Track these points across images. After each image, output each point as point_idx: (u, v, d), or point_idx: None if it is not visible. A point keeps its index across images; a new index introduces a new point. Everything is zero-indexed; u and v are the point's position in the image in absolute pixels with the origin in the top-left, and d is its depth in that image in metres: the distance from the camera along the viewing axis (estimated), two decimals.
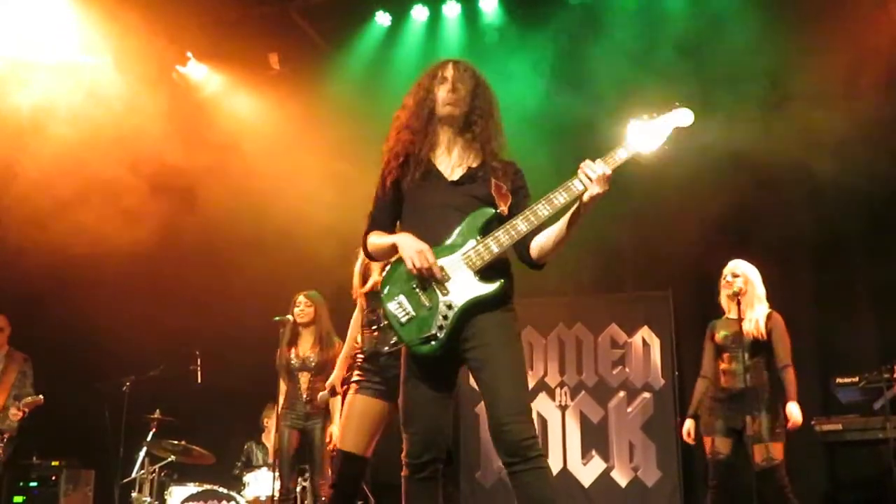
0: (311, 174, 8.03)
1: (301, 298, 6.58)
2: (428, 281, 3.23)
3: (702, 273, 6.73)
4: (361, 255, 4.67)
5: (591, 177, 3.14)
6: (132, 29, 7.67)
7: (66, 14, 7.67)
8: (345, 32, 8.56)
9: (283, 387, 6.58)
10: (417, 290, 3.26)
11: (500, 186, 3.36)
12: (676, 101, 3.33)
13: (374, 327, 4.88)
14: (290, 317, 6.49)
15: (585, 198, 3.17)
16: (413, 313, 3.25)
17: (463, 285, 3.22)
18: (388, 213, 3.47)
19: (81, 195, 7.52)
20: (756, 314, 5.56)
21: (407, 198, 3.42)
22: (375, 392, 4.78)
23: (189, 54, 8.69)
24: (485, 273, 3.23)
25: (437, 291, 3.23)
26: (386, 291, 3.32)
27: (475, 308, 3.22)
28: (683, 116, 3.30)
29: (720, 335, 5.69)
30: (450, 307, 3.21)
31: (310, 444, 6.41)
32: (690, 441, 5.80)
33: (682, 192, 7.45)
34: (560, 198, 3.20)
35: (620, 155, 3.22)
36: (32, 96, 7.63)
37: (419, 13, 8.37)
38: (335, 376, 5.38)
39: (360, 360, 4.92)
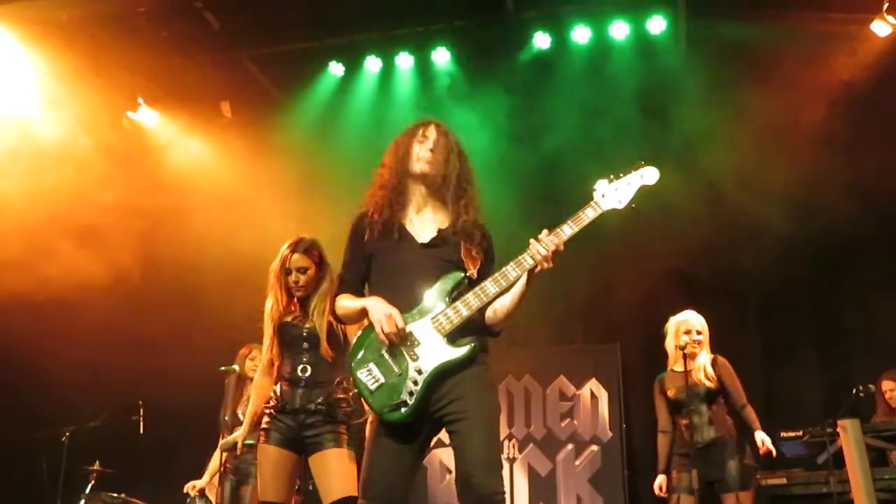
0: (262, 222, 7.98)
1: (255, 353, 6.41)
2: (398, 346, 3.19)
3: (649, 326, 6.78)
4: (269, 300, 4.59)
5: (541, 253, 3.18)
6: (82, 73, 7.62)
7: (12, 56, 7.60)
8: (298, 81, 8.58)
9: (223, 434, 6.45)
10: (387, 356, 3.22)
11: (469, 250, 3.36)
12: (640, 159, 3.40)
13: (301, 384, 4.52)
14: (235, 367, 6.38)
15: (537, 270, 3.21)
16: (382, 380, 3.20)
17: (433, 350, 3.19)
18: (358, 275, 3.44)
19: (21, 239, 7.39)
20: (701, 361, 5.61)
21: (377, 259, 3.39)
22: (284, 441, 4.48)
23: (140, 100, 8.62)
24: (454, 337, 3.21)
25: (407, 357, 3.19)
26: (356, 358, 3.26)
27: (445, 372, 3.19)
28: (649, 175, 3.36)
29: (673, 391, 5.70)
30: (419, 372, 3.18)
31: (238, 499, 6.28)
32: (662, 494, 5.76)
33: (629, 246, 7.56)
34: (528, 260, 3.21)
35: (588, 214, 3.27)
36: None
37: (372, 64, 8.43)
38: (242, 434, 4.99)
39: (272, 409, 4.57)
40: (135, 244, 8.04)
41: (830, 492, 5.81)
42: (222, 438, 6.35)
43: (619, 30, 7.83)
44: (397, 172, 3.41)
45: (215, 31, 7.89)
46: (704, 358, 5.64)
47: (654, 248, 7.54)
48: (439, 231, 3.40)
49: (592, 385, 8.17)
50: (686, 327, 5.77)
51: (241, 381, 6.44)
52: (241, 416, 6.32)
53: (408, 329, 3.20)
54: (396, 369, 3.19)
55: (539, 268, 3.20)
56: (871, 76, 7.36)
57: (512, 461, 8.10)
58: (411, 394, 3.16)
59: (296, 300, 4.66)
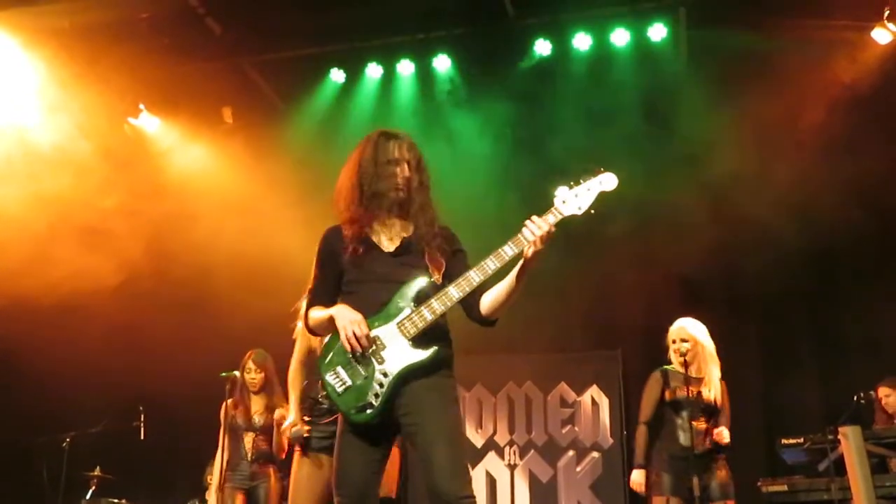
0: (264, 228, 7.99)
1: (250, 364, 6.43)
2: (364, 351, 3.27)
3: (650, 332, 6.79)
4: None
5: (533, 233, 3.22)
6: (84, 79, 7.63)
7: (16, 64, 7.61)
8: (299, 88, 8.59)
9: (225, 443, 6.45)
10: (354, 360, 3.30)
11: (434, 255, 3.43)
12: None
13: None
14: (236, 373, 6.39)
15: (527, 254, 3.25)
16: (349, 382, 3.30)
17: (398, 353, 3.27)
18: (328, 289, 3.52)
19: (23, 245, 7.40)
20: (713, 377, 5.61)
21: (346, 271, 3.47)
22: (322, 450, 4.66)
23: (141, 106, 8.64)
24: (419, 341, 3.29)
25: (374, 360, 3.28)
26: (325, 362, 3.36)
27: (410, 375, 3.27)
28: (608, 181, 3.38)
29: (673, 392, 5.66)
30: (385, 375, 3.26)
31: (256, 501, 6.28)
32: (641, 490, 5.71)
33: (631, 253, 7.56)
34: (491, 265, 3.28)
35: (548, 220, 3.28)
36: None
37: (373, 71, 8.44)
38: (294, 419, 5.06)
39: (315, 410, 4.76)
40: (137, 250, 8.04)
41: (832, 499, 5.82)
42: (229, 443, 6.38)
43: (620, 37, 7.84)
44: (368, 193, 3.46)
45: (217, 38, 7.91)
46: (716, 375, 5.64)
47: (656, 255, 7.55)
48: (403, 239, 3.48)
49: (593, 392, 8.18)
50: (674, 335, 5.78)
51: (243, 387, 6.44)
52: (256, 423, 6.34)
53: (373, 334, 3.29)
54: (363, 372, 3.29)
55: (530, 251, 3.23)
56: (872, 83, 7.37)
57: (513, 468, 8.10)
58: (377, 396, 3.26)
59: None
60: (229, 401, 6.39)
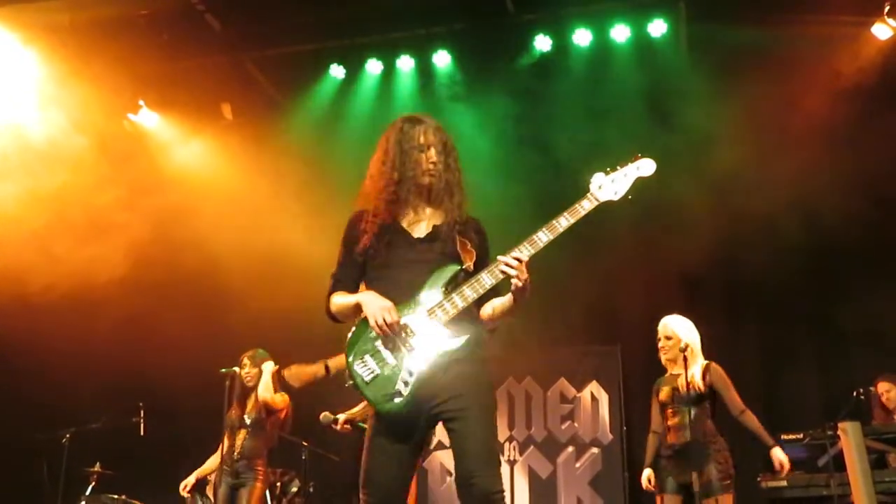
0: (264, 224, 8.00)
1: (245, 360, 6.52)
2: (393, 338, 3.20)
3: (650, 328, 6.78)
4: None
5: (510, 266, 3.19)
6: (84, 76, 7.63)
7: (17, 61, 7.61)
8: (299, 84, 8.58)
9: (226, 442, 6.50)
10: (382, 348, 3.22)
11: (465, 243, 3.38)
12: (637, 152, 3.42)
13: None
14: (236, 369, 6.44)
15: (511, 287, 3.24)
16: (378, 371, 3.21)
17: (428, 341, 3.20)
18: (352, 274, 3.45)
19: (22, 242, 7.40)
20: (693, 369, 5.60)
21: (372, 258, 3.40)
22: None
23: (141, 102, 8.63)
24: (451, 328, 3.23)
25: (403, 348, 3.21)
26: (352, 351, 3.26)
27: (442, 363, 3.20)
28: (646, 166, 3.39)
29: (663, 393, 5.71)
30: (415, 363, 3.19)
31: (237, 500, 6.31)
32: (651, 488, 5.74)
33: (630, 249, 7.56)
34: (525, 252, 3.22)
35: (584, 206, 3.28)
36: None
37: (373, 67, 8.43)
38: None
39: None
40: (138, 247, 8.04)
41: (831, 494, 5.82)
42: (225, 440, 6.41)
43: (620, 33, 7.83)
44: (397, 179, 3.40)
45: (216, 34, 7.91)
46: (697, 364, 5.63)
47: (656, 251, 7.55)
48: (434, 227, 3.42)
49: (593, 387, 8.18)
50: (659, 333, 5.79)
51: (242, 384, 6.48)
52: (246, 420, 6.41)
53: (403, 321, 3.22)
54: (391, 361, 3.21)
55: (513, 287, 3.23)
56: (872, 79, 7.37)
57: (512, 463, 8.11)
58: (406, 384, 3.17)
59: None
60: (234, 400, 6.48)
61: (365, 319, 3.25)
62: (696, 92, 7.52)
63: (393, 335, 3.19)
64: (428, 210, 3.46)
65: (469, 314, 3.29)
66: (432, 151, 3.43)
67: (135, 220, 7.93)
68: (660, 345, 5.76)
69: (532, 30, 7.94)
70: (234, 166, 8.63)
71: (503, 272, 3.21)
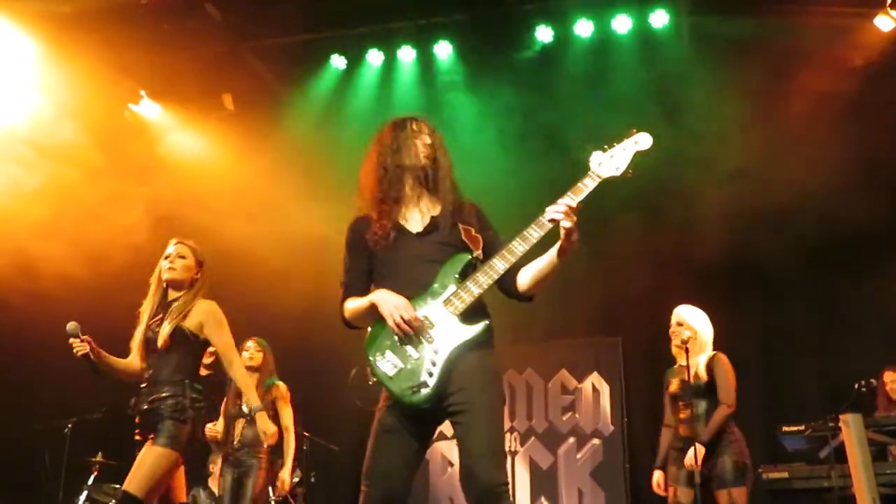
0: (264, 215, 7.99)
1: (250, 344, 6.58)
2: (411, 333, 3.20)
3: (652, 320, 6.79)
4: None
5: (560, 212, 3.17)
6: (85, 66, 7.61)
7: (18, 50, 7.59)
8: (300, 74, 8.57)
9: (226, 431, 6.53)
10: (403, 342, 3.22)
11: (468, 230, 3.39)
12: (634, 127, 3.42)
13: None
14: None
15: (561, 234, 3.20)
16: (401, 365, 3.19)
17: (447, 331, 3.21)
18: (361, 278, 3.44)
19: (23, 231, 7.38)
20: (700, 360, 5.57)
21: (377, 259, 3.40)
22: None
23: (142, 92, 8.62)
24: (467, 316, 3.23)
25: (423, 340, 3.21)
26: (372, 348, 3.25)
27: (461, 352, 3.20)
28: (643, 140, 3.37)
29: (673, 385, 5.69)
30: (437, 353, 3.18)
31: (242, 489, 6.34)
32: (661, 492, 5.68)
33: (633, 239, 7.55)
34: (534, 233, 3.22)
35: (587, 184, 3.26)
36: None
37: (374, 57, 8.41)
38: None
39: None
40: (139, 236, 8.01)
41: (832, 486, 5.83)
42: (226, 429, 6.49)
43: (622, 24, 7.81)
44: (390, 167, 3.44)
45: (217, 24, 7.88)
46: (703, 357, 5.60)
47: (657, 242, 7.54)
48: (432, 218, 3.43)
49: (594, 379, 8.18)
50: (672, 320, 5.76)
51: None
52: (232, 409, 6.46)
53: (420, 314, 3.22)
54: (413, 354, 3.20)
55: (563, 227, 3.18)
56: (874, 70, 7.36)
57: (513, 454, 8.12)
58: (430, 374, 3.17)
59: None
60: (232, 391, 6.50)
61: (380, 320, 3.24)
62: (699, 82, 7.51)
63: (413, 329, 3.19)
64: (424, 202, 3.47)
65: (480, 302, 3.29)
66: (426, 137, 3.47)
67: (136, 211, 7.92)
68: (671, 331, 5.73)
69: (533, 20, 7.91)
70: (236, 157, 8.61)
71: (552, 220, 3.19)
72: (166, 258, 4.82)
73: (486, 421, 3.16)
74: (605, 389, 8.14)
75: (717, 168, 7.36)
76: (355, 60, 8.48)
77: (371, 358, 3.24)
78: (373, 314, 3.29)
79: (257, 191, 8.27)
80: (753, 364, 7.39)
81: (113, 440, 7.40)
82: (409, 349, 3.21)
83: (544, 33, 7.92)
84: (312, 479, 7.42)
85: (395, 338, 3.23)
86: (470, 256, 3.33)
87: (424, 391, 3.16)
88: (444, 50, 8.22)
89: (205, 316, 4.70)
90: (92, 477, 7.17)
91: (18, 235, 7.38)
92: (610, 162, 3.31)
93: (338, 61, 8.48)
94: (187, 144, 8.86)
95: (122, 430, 7.34)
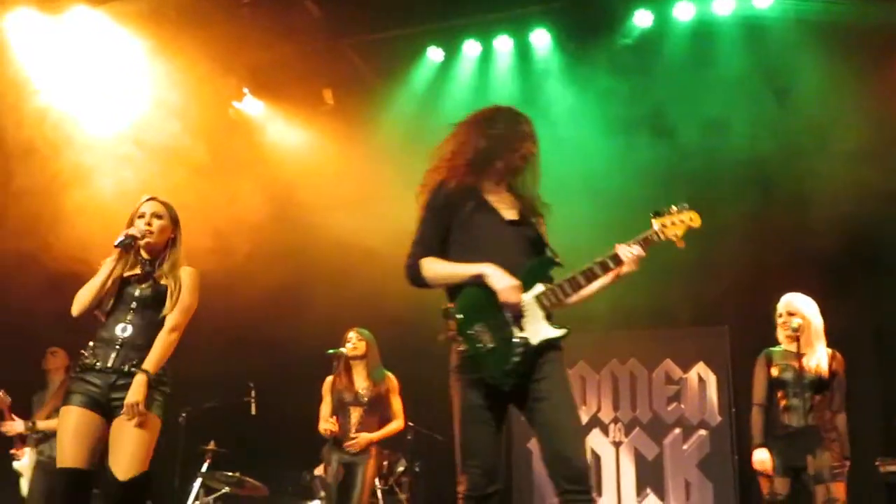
0: (366, 208, 8.08)
1: (352, 334, 6.67)
2: (507, 316, 3.30)
3: (759, 308, 6.60)
4: None
5: (629, 256, 3.45)
6: (189, 65, 7.81)
7: (126, 48, 7.82)
8: (397, 68, 8.63)
9: (324, 411, 6.63)
10: (496, 321, 3.31)
11: (544, 229, 3.59)
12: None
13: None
14: (343, 350, 6.59)
15: (616, 273, 3.48)
16: (491, 343, 3.29)
17: (537, 325, 3.32)
18: (438, 242, 3.51)
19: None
20: (818, 352, 5.41)
21: (460, 228, 3.46)
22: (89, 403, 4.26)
23: (245, 90, 8.81)
24: (550, 317, 3.38)
25: (514, 327, 3.31)
26: (467, 321, 3.33)
27: (544, 348, 3.33)
28: (695, 220, 3.66)
29: (778, 369, 5.53)
30: (525, 344, 3.28)
31: (353, 478, 6.43)
32: (769, 472, 5.52)
33: (740, 228, 7.36)
34: (599, 271, 3.47)
35: (654, 240, 3.57)
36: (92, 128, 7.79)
37: (471, 48, 8.41)
38: None
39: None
40: (242, 233, 8.21)
41: None
42: (324, 407, 6.65)
43: (723, 6, 7.59)
44: (490, 155, 3.52)
45: (316, 20, 7.99)
46: (823, 350, 5.45)
47: (766, 229, 7.32)
48: (521, 212, 3.55)
49: (700, 369, 8.04)
50: (781, 309, 5.62)
51: (348, 363, 6.61)
52: (363, 398, 6.52)
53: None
54: (501, 335, 3.30)
55: (626, 270, 3.48)
56: None
57: (618, 445, 8.04)
58: (516, 362, 3.27)
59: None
60: (331, 377, 6.66)
61: (474, 288, 3.32)
62: (807, 64, 7.25)
63: (514, 314, 3.29)
64: (507, 193, 3.59)
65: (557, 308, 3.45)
66: (532, 144, 3.57)
67: (241, 207, 8.08)
68: (781, 321, 5.59)
69: (631, 5, 7.77)
70: (338, 150, 8.73)
71: (623, 257, 3.46)
72: (140, 217, 4.45)
73: (570, 408, 3.34)
74: (711, 379, 7.98)
75: (831, 151, 7.09)
76: (452, 52, 8.49)
77: (468, 331, 3.31)
78: (466, 281, 3.35)
79: (360, 183, 8.35)
80: (868, 354, 7.15)
81: (224, 429, 7.63)
82: (497, 330, 3.29)
83: (643, 18, 7.77)
84: (417, 469, 7.49)
85: (486, 314, 3.30)
86: (555, 263, 3.49)
87: (511, 377, 3.27)
88: (541, 38, 8.15)
89: (189, 279, 4.54)
90: (205, 464, 7.39)
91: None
92: (671, 228, 3.57)
93: (435, 54, 8.51)
94: (290, 140, 9.02)
95: (234, 420, 7.60)
